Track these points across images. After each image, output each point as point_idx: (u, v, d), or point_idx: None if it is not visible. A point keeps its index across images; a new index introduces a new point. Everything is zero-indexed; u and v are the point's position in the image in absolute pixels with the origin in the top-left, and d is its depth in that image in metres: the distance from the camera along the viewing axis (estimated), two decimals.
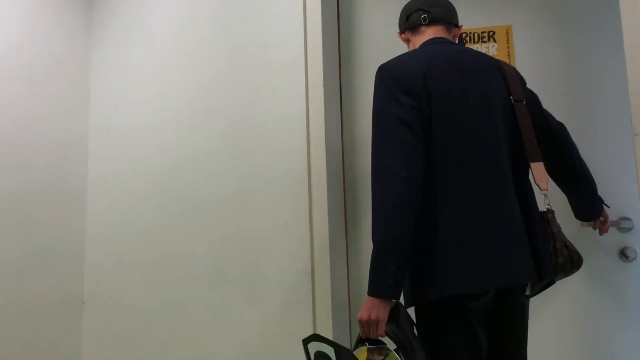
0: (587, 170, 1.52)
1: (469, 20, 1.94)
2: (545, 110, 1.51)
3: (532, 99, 1.47)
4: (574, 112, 1.77)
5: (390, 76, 1.38)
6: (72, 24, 2.33)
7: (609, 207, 1.60)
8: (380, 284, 1.27)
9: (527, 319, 1.42)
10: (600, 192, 1.60)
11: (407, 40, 1.56)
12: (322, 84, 1.95)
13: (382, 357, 1.26)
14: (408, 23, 1.54)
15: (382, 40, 2.03)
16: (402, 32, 1.57)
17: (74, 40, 2.34)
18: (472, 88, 1.36)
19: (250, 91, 2.08)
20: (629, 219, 1.64)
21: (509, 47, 1.90)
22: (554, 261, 1.34)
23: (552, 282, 1.38)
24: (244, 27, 2.12)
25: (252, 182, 2.04)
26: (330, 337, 1.83)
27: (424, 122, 1.33)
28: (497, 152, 1.34)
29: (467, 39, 1.95)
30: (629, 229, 1.62)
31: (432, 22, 1.49)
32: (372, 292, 1.28)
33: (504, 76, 1.42)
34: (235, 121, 2.09)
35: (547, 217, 1.37)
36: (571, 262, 1.35)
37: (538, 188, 1.37)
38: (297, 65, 2.00)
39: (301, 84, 1.99)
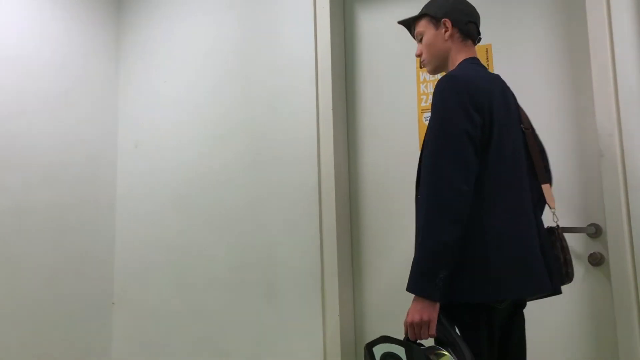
0: None
1: None
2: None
3: (533, 126, 1.51)
4: (550, 128, 1.84)
5: (465, 90, 1.34)
6: (103, 49, 2.50)
7: None
8: (432, 287, 1.27)
9: None
10: (571, 200, 1.78)
11: (450, 36, 1.48)
12: (331, 106, 2.09)
13: (437, 358, 1.26)
14: (464, 27, 1.48)
15: (383, 67, 2.15)
16: (454, 25, 1.48)
17: (104, 64, 2.50)
18: (509, 111, 1.42)
19: (266, 112, 2.21)
20: (597, 225, 1.74)
21: (488, 66, 1.95)
22: (565, 271, 1.41)
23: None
24: (260, 54, 2.25)
25: (267, 194, 2.16)
26: (337, 331, 1.97)
27: (483, 139, 1.34)
28: (525, 172, 1.41)
29: None
30: (596, 236, 1.74)
31: (478, 42, 1.53)
32: (423, 294, 1.28)
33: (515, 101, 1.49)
34: (252, 139, 2.22)
35: (559, 232, 1.44)
36: (573, 271, 1.46)
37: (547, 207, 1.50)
38: (309, 89, 2.14)
39: (312, 106, 2.12)
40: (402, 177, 2.07)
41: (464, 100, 1.33)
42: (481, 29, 1.97)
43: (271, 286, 2.13)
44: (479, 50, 1.97)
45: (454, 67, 1.49)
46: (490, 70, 1.96)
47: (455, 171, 1.30)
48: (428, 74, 2.12)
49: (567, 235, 1.78)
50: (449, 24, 1.49)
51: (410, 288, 1.30)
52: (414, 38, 1.61)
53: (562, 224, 1.79)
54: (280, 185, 2.16)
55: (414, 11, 1.68)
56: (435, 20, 1.51)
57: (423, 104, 2.08)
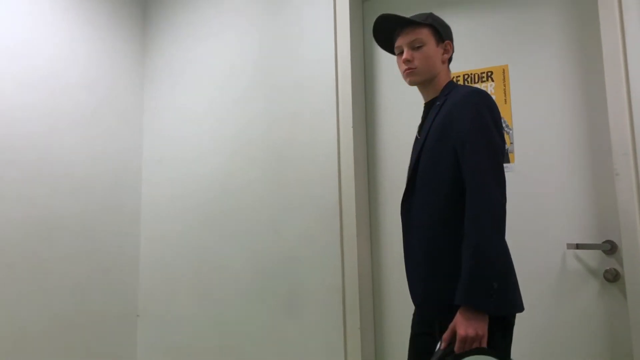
0: None
1: (469, 61, 2.05)
2: None
3: None
4: (566, 146, 1.88)
5: (494, 107, 1.37)
6: (129, 68, 2.56)
7: None
8: (488, 300, 1.24)
9: None
10: (587, 218, 1.81)
11: (447, 59, 1.50)
12: (351, 124, 2.12)
13: None
14: (452, 55, 1.52)
15: (403, 82, 2.16)
16: (452, 51, 1.51)
17: (130, 82, 2.57)
18: None
19: (287, 127, 2.25)
20: (613, 242, 1.78)
21: (505, 86, 1.99)
22: None
23: None
24: (281, 72, 2.29)
25: (288, 207, 2.19)
26: (358, 344, 1.99)
27: None
28: None
29: (469, 79, 2.05)
30: (612, 252, 1.77)
31: None
32: (480, 307, 1.25)
33: None
34: (273, 153, 2.26)
35: None
36: None
37: None
38: (329, 104, 2.17)
39: (333, 120, 2.16)
40: None
41: (497, 119, 1.37)
42: (498, 49, 2.03)
43: (293, 298, 2.16)
44: (495, 71, 2.04)
45: (440, 88, 1.49)
46: (507, 90, 2.01)
47: (499, 186, 1.31)
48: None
49: (583, 252, 1.84)
50: (450, 47, 1.50)
51: (465, 301, 1.26)
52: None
53: (578, 241, 1.84)
54: (301, 198, 2.19)
55: None
56: (439, 37, 1.49)
57: None
